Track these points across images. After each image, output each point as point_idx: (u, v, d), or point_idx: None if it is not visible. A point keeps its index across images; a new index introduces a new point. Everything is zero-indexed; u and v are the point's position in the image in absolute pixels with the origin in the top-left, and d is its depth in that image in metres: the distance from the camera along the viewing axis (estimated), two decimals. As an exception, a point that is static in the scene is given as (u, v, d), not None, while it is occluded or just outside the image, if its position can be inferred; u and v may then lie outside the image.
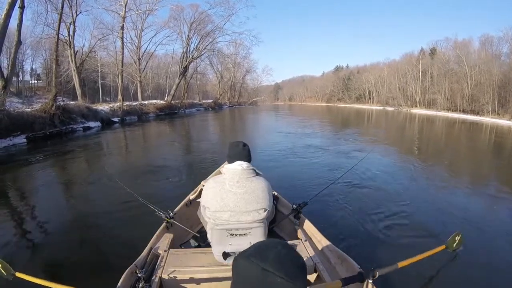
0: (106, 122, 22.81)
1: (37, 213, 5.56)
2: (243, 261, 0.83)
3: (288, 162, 9.97)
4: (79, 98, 27.42)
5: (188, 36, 41.22)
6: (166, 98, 42.02)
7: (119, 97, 29.44)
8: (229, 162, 2.61)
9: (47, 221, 5.11)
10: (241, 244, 2.42)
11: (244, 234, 2.45)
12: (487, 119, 35.88)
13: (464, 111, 42.99)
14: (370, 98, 75.83)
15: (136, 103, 32.83)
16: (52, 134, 15.91)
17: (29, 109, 17.19)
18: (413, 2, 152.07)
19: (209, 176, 3.68)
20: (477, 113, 39.86)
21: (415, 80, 58.12)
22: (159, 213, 3.15)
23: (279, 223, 3.49)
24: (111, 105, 27.47)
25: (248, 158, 2.63)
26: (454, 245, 3.66)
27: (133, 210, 4.91)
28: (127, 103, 30.47)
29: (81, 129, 18.89)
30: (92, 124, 20.55)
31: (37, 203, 6.18)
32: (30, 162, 10.01)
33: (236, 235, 2.44)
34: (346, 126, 25.68)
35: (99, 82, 41.85)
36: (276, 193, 3.81)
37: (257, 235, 2.46)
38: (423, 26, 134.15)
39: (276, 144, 13.57)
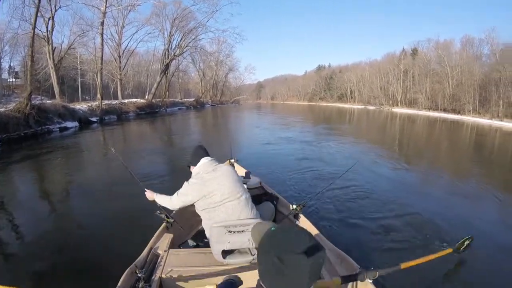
0: (84, 122, 22.20)
1: (21, 220, 5.38)
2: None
3: (283, 161, 10.06)
4: (56, 96, 26.62)
5: (170, 33, 40.72)
6: (146, 97, 41.38)
7: (98, 95, 28.74)
8: (195, 164, 2.86)
9: (35, 226, 5.01)
10: (239, 242, 2.52)
11: (242, 231, 2.50)
12: (468, 118, 36.74)
13: (445, 110, 43.85)
14: (352, 97, 76.46)
15: (116, 101, 32.22)
16: (27, 135, 15.42)
17: (3, 109, 16.50)
18: (395, 3, 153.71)
19: None
20: (458, 112, 40.72)
21: (396, 79, 58.86)
22: (159, 213, 3.14)
23: (279, 223, 3.45)
24: (89, 104, 26.77)
25: (208, 154, 2.94)
26: (462, 248, 3.64)
27: (131, 210, 5.00)
28: (107, 101, 29.86)
29: (58, 129, 18.26)
30: (69, 124, 19.93)
31: (18, 210, 5.93)
32: (6, 166, 9.60)
33: (234, 232, 2.49)
34: (332, 125, 25.83)
35: (79, 80, 40.82)
36: (276, 193, 3.94)
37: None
38: (404, 27, 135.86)
39: (267, 142, 13.94)
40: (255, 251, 2.54)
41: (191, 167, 2.93)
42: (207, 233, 2.69)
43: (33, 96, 17.73)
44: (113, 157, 10.60)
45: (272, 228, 1.01)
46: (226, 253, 2.54)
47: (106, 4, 30.65)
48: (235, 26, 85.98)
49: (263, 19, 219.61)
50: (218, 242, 2.50)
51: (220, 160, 2.96)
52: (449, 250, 3.48)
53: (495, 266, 3.84)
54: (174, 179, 7.25)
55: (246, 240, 2.53)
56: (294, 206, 3.41)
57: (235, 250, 2.61)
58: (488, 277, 3.63)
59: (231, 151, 5.51)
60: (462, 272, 3.70)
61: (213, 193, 2.62)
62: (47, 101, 21.76)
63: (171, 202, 2.85)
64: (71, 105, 23.63)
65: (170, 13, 40.34)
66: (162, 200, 2.96)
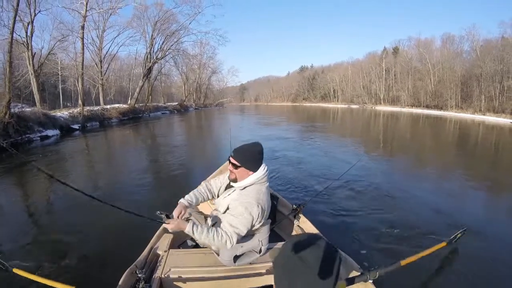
0: (66, 130, 21.61)
1: (14, 227, 5.30)
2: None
3: (280, 162, 10.06)
4: (37, 104, 25.93)
5: (152, 36, 40.19)
6: (129, 102, 40.77)
7: (80, 102, 28.15)
8: (253, 169, 2.44)
9: (29, 231, 5.05)
10: (251, 243, 2.49)
11: (254, 234, 2.48)
12: (451, 114, 37.71)
13: (427, 107, 44.85)
14: (335, 97, 77.30)
15: (98, 107, 31.63)
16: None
17: (-20, 119, 15.91)
18: (377, 3, 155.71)
19: (210, 176, 3.93)
20: (441, 108, 41.64)
21: (378, 78, 59.88)
22: (159, 214, 3.00)
23: (279, 223, 3.51)
24: (70, 110, 26.17)
25: None
26: (454, 241, 3.81)
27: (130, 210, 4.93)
28: (88, 108, 29.28)
29: (38, 138, 17.65)
30: (50, 132, 19.32)
31: (12, 219, 5.84)
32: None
33: (247, 235, 2.42)
34: (317, 123, 25.85)
35: (60, 86, 39.98)
36: (276, 193, 3.92)
37: (264, 231, 2.52)
38: (386, 26, 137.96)
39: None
40: (261, 250, 2.55)
41: (243, 169, 2.42)
42: None
43: (13, 104, 17.19)
44: (99, 163, 10.38)
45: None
46: (237, 257, 2.47)
47: (86, 7, 29.99)
48: (218, 28, 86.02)
49: (244, 21, 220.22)
50: (231, 248, 2.34)
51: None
52: (444, 244, 3.64)
53: (486, 255, 3.98)
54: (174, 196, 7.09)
55: (257, 241, 2.48)
56: (294, 206, 3.42)
57: (247, 253, 2.53)
58: (481, 267, 3.75)
59: (231, 150, 5.40)
60: (456, 264, 3.78)
61: (266, 219, 2.49)
62: (27, 109, 21.12)
63: (230, 240, 2.23)
64: (52, 113, 23.08)
65: (152, 16, 39.89)
66: (207, 236, 2.23)
